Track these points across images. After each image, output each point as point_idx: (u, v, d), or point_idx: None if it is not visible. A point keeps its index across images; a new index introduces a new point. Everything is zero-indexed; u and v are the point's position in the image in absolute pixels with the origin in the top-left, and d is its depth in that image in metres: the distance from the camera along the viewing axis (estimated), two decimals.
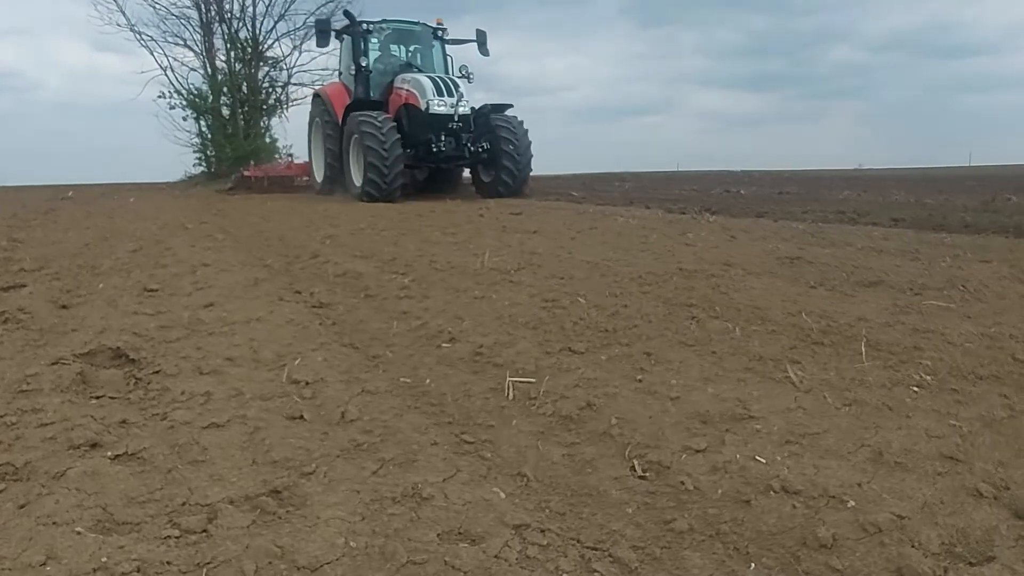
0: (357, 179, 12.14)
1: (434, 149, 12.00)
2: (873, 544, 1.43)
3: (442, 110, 11.81)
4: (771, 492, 1.65)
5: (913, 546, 1.41)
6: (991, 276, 4.26)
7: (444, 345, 2.98)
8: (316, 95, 14.85)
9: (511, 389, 2.40)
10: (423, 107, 11.82)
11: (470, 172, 13.72)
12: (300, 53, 24.42)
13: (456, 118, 11.93)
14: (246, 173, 17.34)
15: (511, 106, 12.93)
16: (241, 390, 2.37)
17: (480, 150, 12.29)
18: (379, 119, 11.49)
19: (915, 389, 2.30)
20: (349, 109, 12.40)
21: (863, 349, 2.71)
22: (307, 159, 16.03)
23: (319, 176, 14.40)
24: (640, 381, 2.44)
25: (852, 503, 1.57)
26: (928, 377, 2.40)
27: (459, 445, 1.98)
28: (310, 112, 14.96)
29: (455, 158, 12.48)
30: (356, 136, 11.75)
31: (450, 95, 11.96)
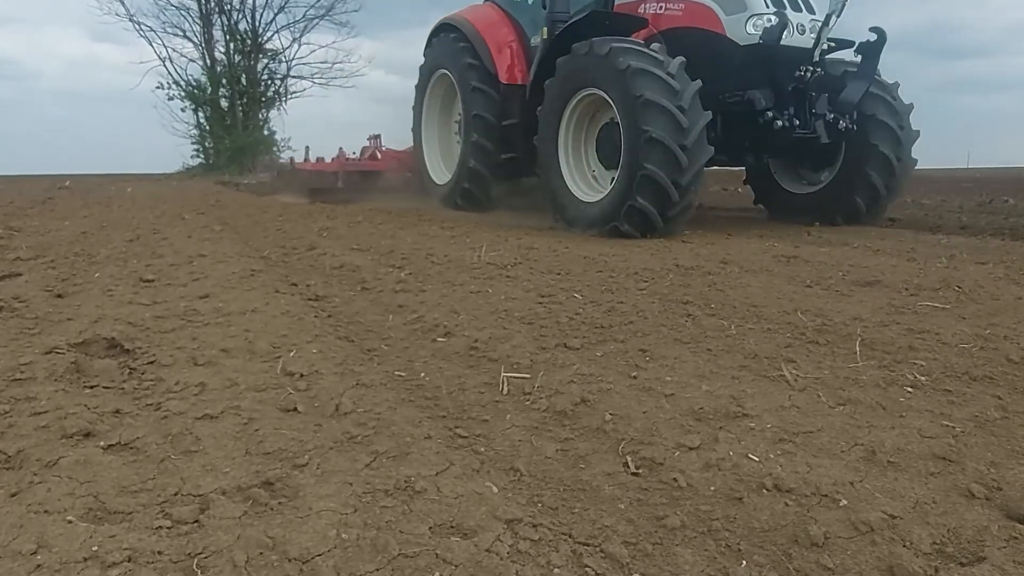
0: (598, 185, 6.62)
1: (765, 121, 5.99)
2: (864, 543, 1.43)
3: (794, 41, 5.79)
4: (763, 490, 1.65)
5: (904, 545, 1.41)
6: (987, 277, 4.28)
7: (439, 339, 2.98)
8: (443, 28, 8.77)
9: (505, 384, 2.40)
10: (735, 34, 5.95)
11: (750, 168, 7.64)
12: (300, 46, 24.39)
13: (814, 60, 5.90)
14: (298, 164, 13.19)
15: (852, 44, 6.43)
16: (235, 381, 2.37)
17: (844, 127, 6.25)
18: (659, 55, 5.77)
19: (909, 389, 2.30)
20: (566, 35, 6.45)
21: (858, 348, 2.71)
22: (405, 147, 10.76)
23: (440, 174, 9.24)
24: (635, 377, 2.44)
25: (844, 502, 1.57)
26: (922, 377, 2.40)
27: (452, 439, 1.98)
28: (425, 64, 9.19)
29: (798, 144, 6.33)
30: (606, 92, 6.01)
31: (799, 9, 6.01)
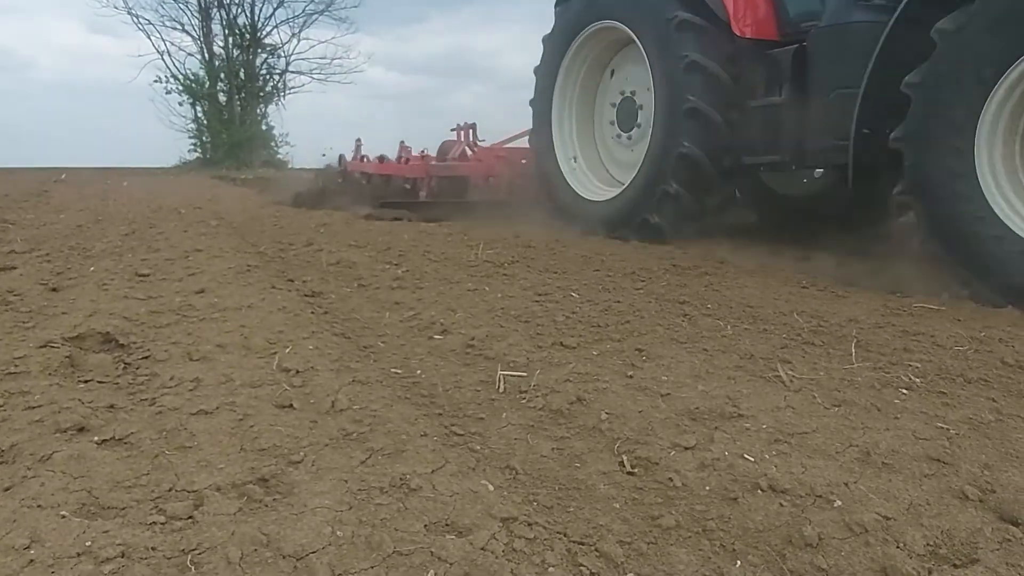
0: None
1: None
2: (858, 544, 1.43)
3: None
4: (758, 490, 1.65)
5: (898, 547, 1.42)
6: None
7: (436, 336, 2.97)
8: None
9: (502, 382, 2.39)
10: None
11: None
12: (299, 41, 24.35)
13: None
14: (351, 164, 10.05)
15: None
16: (231, 377, 2.36)
17: None
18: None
19: (904, 391, 2.31)
20: None
21: (853, 350, 2.72)
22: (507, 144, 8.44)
23: (588, 184, 6.53)
24: (631, 377, 2.45)
25: (838, 502, 1.58)
26: (917, 379, 2.41)
27: (448, 437, 1.98)
28: (566, 18, 6.44)
29: None
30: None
31: None
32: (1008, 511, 1.54)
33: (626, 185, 5.93)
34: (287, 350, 2.65)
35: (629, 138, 6.19)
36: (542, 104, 6.77)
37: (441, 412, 2.18)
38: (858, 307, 3.51)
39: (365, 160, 9.86)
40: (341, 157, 10.51)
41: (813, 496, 1.61)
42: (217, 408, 2.10)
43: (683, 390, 2.32)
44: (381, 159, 9.21)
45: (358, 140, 10.52)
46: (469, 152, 8.84)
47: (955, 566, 1.37)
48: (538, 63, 6.80)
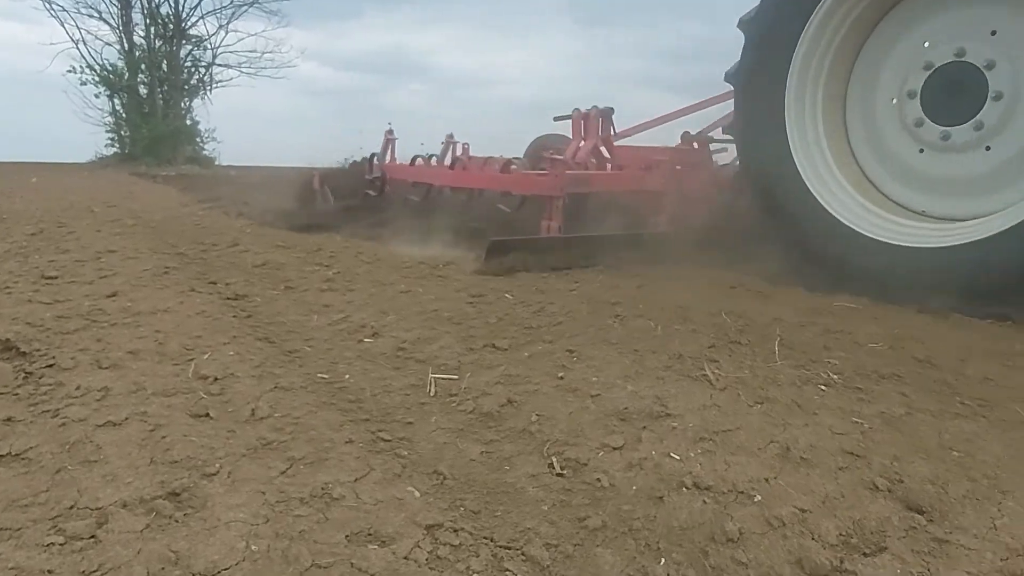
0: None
1: None
2: (777, 537, 1.47)
3: None
4: (683, 488, 1.67)
5: (813, 538, 1.46)
6: None
7: (366, 340, 2.91)
8: None
9: (432, 385, 2.36)
10: None
11: None
12: (227, 33, 23.52)
13: None
14: (394, 172, 6.82)
15: None
16: (143, 385, 2.24)
17: None
18: None
19: (823, 388, 2.39)
20: None
21: (776, 348, 2.80)
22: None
23: (878, 221, 3.85)
24: (561, 378, 2.45)
25: (759, 498, 1.61)
26: (835, 376, 2.50)
27: (374, 443, 1.92)
28: None
29: None
30: None
31: None
32: (914, 500, 1.61)
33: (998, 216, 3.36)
34: (205, 356, 2.53)
35: (978, 131, 3.59)
36: (762, 98, 4.25)
37: (368, 417, 2.12)
38: (784, 307, 3.63)
39: (422, 163, 6.55)
40: (372, 158, 7.07)
41: (735, 492, 1.64)
42: (126, 419, 1.98)
43: (613, 391, 2.34)
44: (454, 163, 5.99)
45: (389, 130, 6.97)
46: (605, 155, 5.74)
47: (865, 555, 1.42)
48: (746, 48, 4.36)
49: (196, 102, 23.75)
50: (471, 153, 6.56)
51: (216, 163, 23.17)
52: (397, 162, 6.97)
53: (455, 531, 1.47)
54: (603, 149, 5.76)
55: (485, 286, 3.93)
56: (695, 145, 5.55)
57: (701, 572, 1.39)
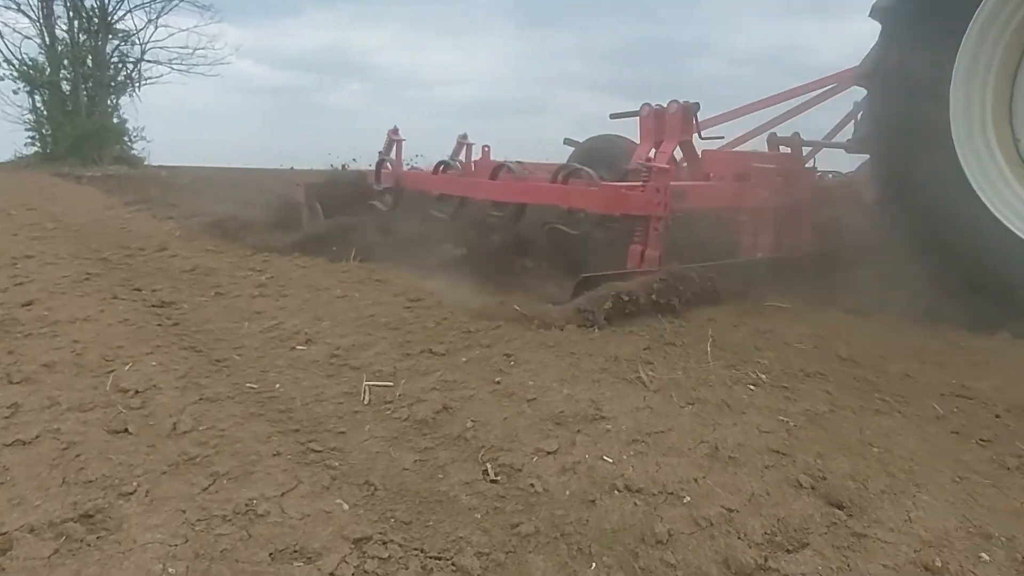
0: None
1: None
2: (704, 537, 1.49)
3: None
4: (615, 491, 1.69)
5: (739, 537, 1.49)
6: None
7: (299, 347, 2.83)
8: None
9: (367, 393, 2.31)
10: None
11: None
12: (156, 28, 22.67)
13: None
14: (413, 180, 5.45)
15: None
16: (57, 400, 2.12)
17: None
18: None
19: (752, 387, 2.45)
20: None
21: (709, 349, 2.86)
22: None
23: None
24: (498, 383, 2.44)
25: (688, 499, 1.64)
26: (764, 376, 2.57)
27: (304, 455, 1.87)
28: None
29: None
30: None
31: None
32: (836, 496, 1.67)
33: None
34: (126, 367, 2.42)
35: None
36: (913, 95, 3.51)
37: (298, 428, 2.06)
38: (716, 308, 3.71)
39: (447, 171, 5.15)
40: (381, 164, 5.71)
41: (665, 494, 1.67)
42: (37, 437, 1.87)
43: (549, 394, 2.34)
44: (496, 172, 4.59)
45: (394, 129, 5.81)
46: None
47: (788, 551, 1.46)
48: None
49: (124, 99, 22.80)
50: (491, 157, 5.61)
51: (146, 163, 22.26)
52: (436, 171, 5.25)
53: (384, 544, 1.44)
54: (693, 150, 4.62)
55: (424, 290, 3.89)
56: (786, 149, 4.70)
57: (631, 574, 1.40)
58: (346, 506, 1.59)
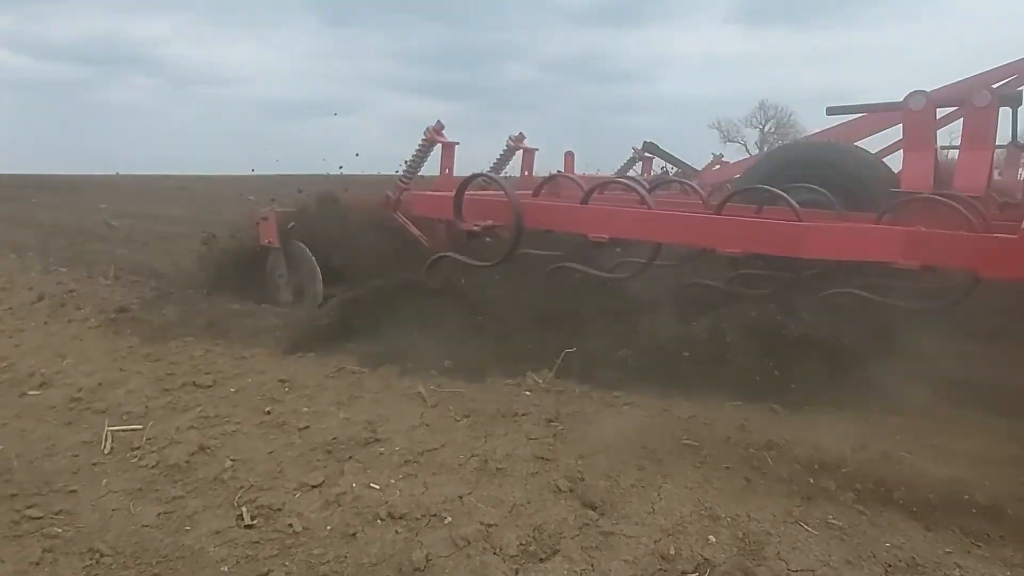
0: None
1: None
2: (461, 558, 1.50)
3: None
4: (378, 520, 1.64)
5: (495, 553, 1.51)
6: None
7: (31, 392, 2.45)
8: None
9: (109, 440, 2.05)
10: None
11: None
12: None
13: None
14: (541, 214, 2.93)
15: None
16: None
17: None
18: None
19: (527, 392, 2.52)
20: None
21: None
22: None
23: None
24: (268, 413, 2.29)
25: (449, 519, 1.64)
26: (540, 380, 2.65)
27: (16, 525, 1.61)
28: None
29: None
30: None
31: None
32: (591, 497, 1.76)
33: None
34: None
35: None
36: None
37: (16, 492, 1.77)
38: None
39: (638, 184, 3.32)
40: (469, 183, 3.31)
41: (428, 516, 1.65)
42: None
43: (324, 420, 2.24)
44: (726, 202, 3.01)
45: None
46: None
47: (540, 560, 1.51)
48: None
49: None
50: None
51: None
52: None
53: None
54: None
55: None
56: None
57: None
58: None
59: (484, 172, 3.95)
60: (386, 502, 1.71)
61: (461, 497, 1.74)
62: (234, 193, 14.23)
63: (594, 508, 1.72)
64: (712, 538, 1.61)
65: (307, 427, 2.18)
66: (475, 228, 3.08)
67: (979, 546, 1.59)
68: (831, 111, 4.14)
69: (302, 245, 3.49)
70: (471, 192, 3.22)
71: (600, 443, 2.08)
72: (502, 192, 3.06)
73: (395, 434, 2.13)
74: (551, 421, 2.23)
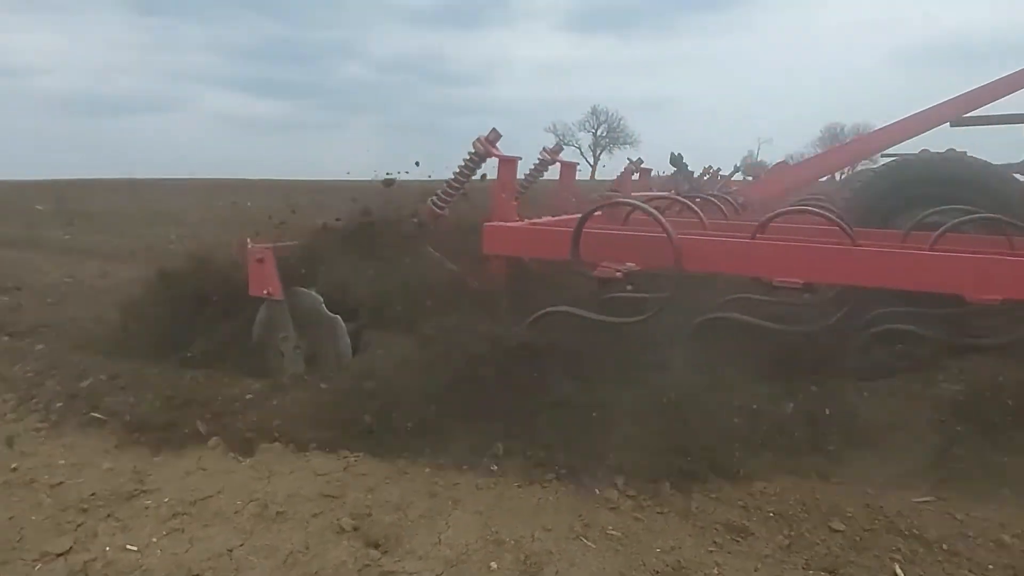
0: None
1: None
2: None
3: None
4: None
5: None
6: None
7: None
8: None
9: None
10: None
11: None
12: None
13: None
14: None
15: None
16: None
17: None
18: None
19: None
20: None
21: None
22: None
23: None
24: (14, 470, 2.00)
25: None
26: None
27: None
28: None
29: None
30: None
31: None
32: (375, 535, 1.71)
33: None
34: None
35: None
36: None
37: None
38: None
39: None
40: (601, 207, 2.95)
41: None
42: None
43: (84, 472, 2.00)
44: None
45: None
46: None
47: None
48: None
49: None
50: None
51: None
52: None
53: None
54: None
55: None
56: None
57: None
58: None
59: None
60: (141, 567, 1.55)
61: (231, 551, 1.62)
62: (21, 201, 12.47)
63: (377, 547, 1.67)
64: (494, 564, 1.62)
65: (61, 483, 1.93)
66: (617, 274, 2.41)
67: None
68: (955, 123, 4.16)
69: (314, 293, 2.64)
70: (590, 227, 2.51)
71: None
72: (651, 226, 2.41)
73: (166, 483, 1.94)
74: None
